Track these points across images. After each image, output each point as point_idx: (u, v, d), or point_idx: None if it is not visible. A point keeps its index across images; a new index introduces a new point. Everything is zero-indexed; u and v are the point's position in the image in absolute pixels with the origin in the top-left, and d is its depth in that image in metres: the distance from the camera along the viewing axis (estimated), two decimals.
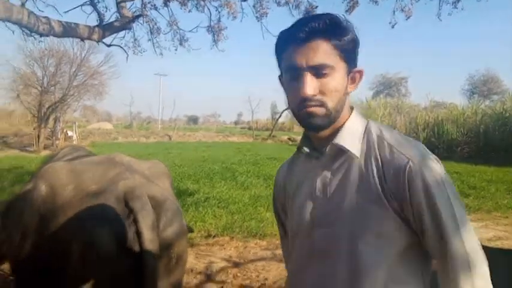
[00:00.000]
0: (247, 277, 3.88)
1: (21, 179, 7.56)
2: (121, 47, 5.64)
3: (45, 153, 14.41)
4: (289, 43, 0.95)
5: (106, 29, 4.95)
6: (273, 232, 5.07)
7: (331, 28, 0.93)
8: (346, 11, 5.40)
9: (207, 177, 9.19)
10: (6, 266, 2.52)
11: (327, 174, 0.99)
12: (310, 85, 0.92)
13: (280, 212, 1.22)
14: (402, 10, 5.47)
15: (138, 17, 5.36)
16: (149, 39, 5.92)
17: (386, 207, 0.91)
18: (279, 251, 4.13)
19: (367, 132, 0.99)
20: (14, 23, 3.96)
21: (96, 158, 2.18)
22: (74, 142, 18.31)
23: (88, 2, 5.13)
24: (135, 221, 1.72)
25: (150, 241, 1.70)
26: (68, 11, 5.12)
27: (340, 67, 0.95)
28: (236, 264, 4.20)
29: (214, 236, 5.08)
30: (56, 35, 4.51)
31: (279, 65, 1.02)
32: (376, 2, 5.50)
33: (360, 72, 1.01)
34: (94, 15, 5.13)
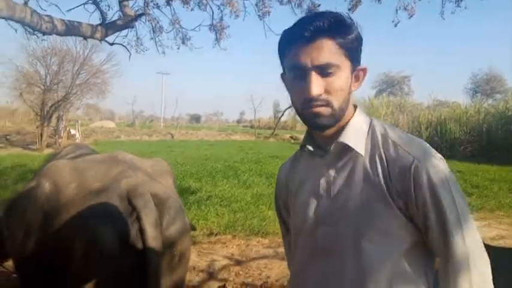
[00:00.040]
0: (250, 275, 3.88)
1: (24, 177, 7.57)
2: (123, 46, 5.64)
3: (48, 151, 14.44)
4: (293, 42, 0.94)
5: (109, 27, 4.95)
6: (275, 230, 5.07)
7: (336, 27, 0.92)
8: (349, 9, 5.37)
9: (209, 176, 9.19)
10: (9, 264, 2.53)
11: (332, 172, 0.99)
12: (316, 85, 0.91)
13: (282, 210, 1.22)
14: (405, 8, 5.43)
15: (140, 15, 5.36)
16: (151, 38, 5.90)
17: (391, 206, 0.91)
18: (281, 249, 4.14)
19: (371, 130, 0.99)
20: (17, 21, 3.96)
21: (99, 156, 2.18)
22: (77, 140, 18.36)
23: (91, 1, 5.13)
24: (138, 219, 1.72)
25: (153, 238, 1.70)
26: (70, 9, 5.12)
27: (345, 66, 0.94)
28: (238, 262, 4.21)
29: (216, 234, 5.09)
30: (58, 34, 4.51)
31: (282, 64, 1.02)
32: (379, 0, 5.47)
33: (364, 70, 1.01)
34: (97, 14, 5.14)
